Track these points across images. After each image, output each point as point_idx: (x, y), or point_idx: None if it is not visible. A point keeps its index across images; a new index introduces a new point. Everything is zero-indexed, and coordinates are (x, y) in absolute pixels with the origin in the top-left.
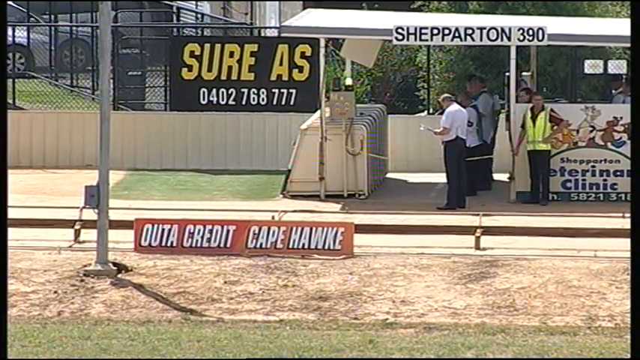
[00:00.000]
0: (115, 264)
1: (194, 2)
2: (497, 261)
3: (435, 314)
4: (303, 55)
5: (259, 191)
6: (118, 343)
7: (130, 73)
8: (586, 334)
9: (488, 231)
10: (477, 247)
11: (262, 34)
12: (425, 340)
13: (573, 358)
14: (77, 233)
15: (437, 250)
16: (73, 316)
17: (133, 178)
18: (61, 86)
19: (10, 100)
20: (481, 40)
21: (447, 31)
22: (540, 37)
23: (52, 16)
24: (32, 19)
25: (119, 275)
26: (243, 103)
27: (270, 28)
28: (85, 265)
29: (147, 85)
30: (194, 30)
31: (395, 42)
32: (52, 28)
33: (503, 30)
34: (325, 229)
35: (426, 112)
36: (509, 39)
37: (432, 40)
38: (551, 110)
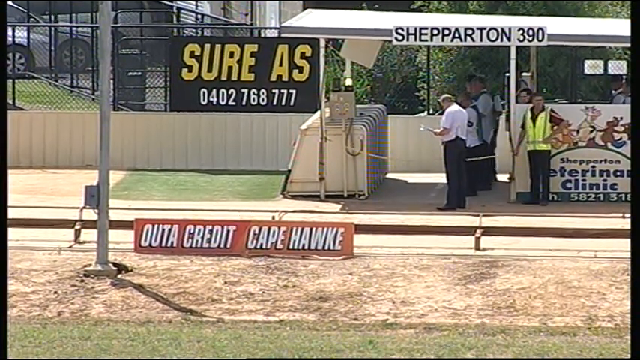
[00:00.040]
0: (115, 264)
1: (194, 3)
2: (497, 261)
3: (435, 315)
4: (303, 56)
5: (259, 191)
6: (118, 344)
7: (130, 73)
8: (586, 334)
9: (488, 231)
10: (477, 248)
11: (262, 35)
12: (425, 341)
13: (573, 358)
14: (77, 233)
15: (437, 250)
16: (73, 317)
17: (133, 178)
18: (61, 86)
19: (10, 101)
20: (481, 40)
21: (446, 32)
22: (540, 38)
23: (52, 17)
24: (32, 19)
25: (119, 275)
26: (243, 103)
27: (270, 28)
28: (85, 266)
29: (147, 86)
30: (194, 30)
31: (395, 42)
32: (52, 28)
33: (503, 30)
34: (325, 229)
35: (426, 112)
36: (509, 39)
37: (431, 40)
38: (552, 110)
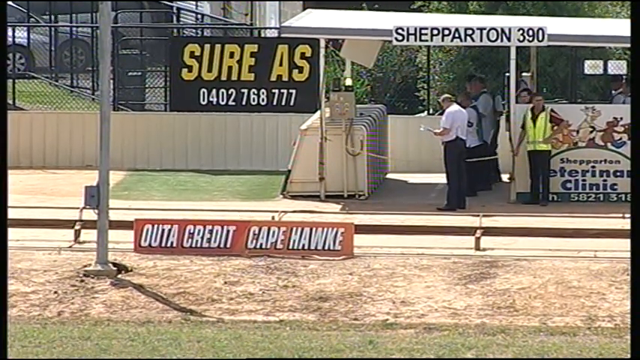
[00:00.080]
0: (115, 264)
1: (194, 3)
2: (497, 262)
3: (435, 315)
4: (303, 56)
5: (259, 192)
6: (118, 344)
7: (130, 73)
8: (586, 334)
9: (489, 231)
10: (477, 248)
11: (262, 35)
12: (425, 341)
13: (573, 358)
14: (77, 233)
15: (437, 250)
16: (73, 317)
17: (133, 178)
18: (61, 87)
19: (10, 101)
20: (481, 40)
21: (446, 32)
22: (540, 38)
23: (52, 17)
24: (32, 19)
25: (119, 275)
26: (243, 103)
27: (270, 28)
28: (85, 266)
29: (147, 86)
30: (194, 30)
31: (395, 42)
32: (52, 28)
33: (503, 30)
34: (325, 229)
35: (426, 112)
36: (509, 39)
37: (431, 40)
38: (552, 110)
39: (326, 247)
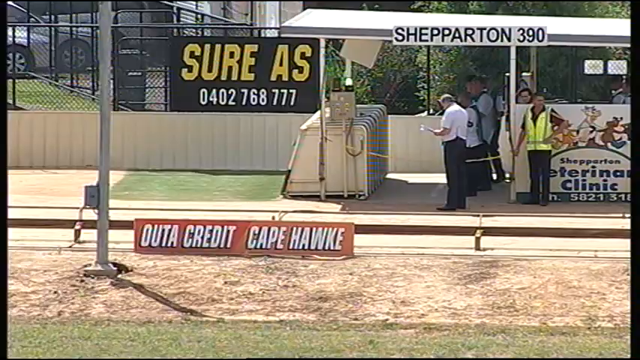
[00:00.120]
0: (115, 264)
1: (194, 3)
2: (498, 261)
3: (435, 315)
4: (303, 56)
5: (259, 192)
6: (118, 344)
7: (130, 73)
8: (586, 334)
9: (489, 231)
10: (477, 248)
11: (262, 35)
12: (425, 341)
13: (573, 358)
14: (77, 233)
15: (437, 250)
16: (73, 317)
17: (133, 178)
18: (61, 87)
19: (10, 101)
20: (481, 40)
21: (447, 32)
22: (540, 38)
23: (52, 17)
24: (32, 19)
25: (119, 275)
26: (244, 103)
27: (271, 28)
28: (85, 266)
29: (147, 86)
30: (194, 30)
31: (395, 42)
32: (52, 28)
33: (503, 30)
34: (325, 229)
35: (426, 112)
36: (509, 39)
37: (432, 40)
38: (552, 110)
39: (326, 247)
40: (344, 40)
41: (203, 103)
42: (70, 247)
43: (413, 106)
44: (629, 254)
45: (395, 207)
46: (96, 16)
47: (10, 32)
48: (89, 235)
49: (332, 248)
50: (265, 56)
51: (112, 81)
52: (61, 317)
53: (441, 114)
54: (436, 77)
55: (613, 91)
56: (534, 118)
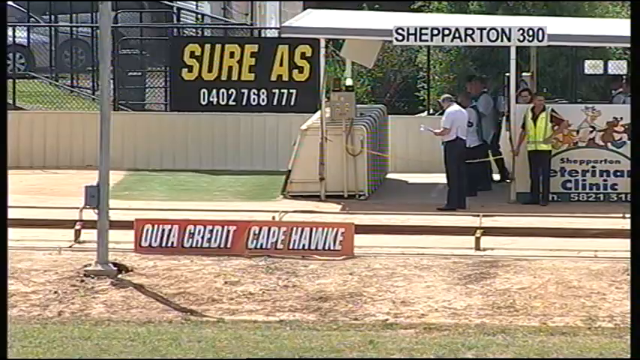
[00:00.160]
0: (115, 264)
1: (194, 3)
2: (498, 261)
3: (435, 315)
4: (303, 56)
5: (260, 192)
6: (119, 344)
7: (130, 73)
8: (586, 334)
9: (489, 231)
10: (477, 248)
11: (262, 35)
12: (425, 341)
13: (573, 358)
14: (77, 233)
15: (437, 250)
16: (73, 317)
17: (133, 178)
18: (61, 87)
19: (10, 101)
20: (481, 40)
21: (447, 32)
22: (540, 38)
23: (52, 17)
24: (32, 19)
25: (119, 275)
26: (244, 103)
27: (271, 28)
28: (86, 266)
29: (147, 86)
30: (194, 30)
31: (395, 42)
32: (52, 28)
33: (503, 30)
34: (325, 229)
35: (426, 112)
36: (509, 39)
37: (432, 40)
38: (552, 111)
39: (326, 247)
40: (344, 40)
41: (203, 103)
42: (70, 247)
43: (413, 106)
44: (629, 254)
45: (395, 207)
46: (96, 16)
47: (10, 32)
48: (89, 235)
49: (332, 248)
50: (265, 56)
51: (112, 81)
52: (61, 317)
53: (441, 114)
54: (436, 77)
55: (613, 91)
56: (534, 118)
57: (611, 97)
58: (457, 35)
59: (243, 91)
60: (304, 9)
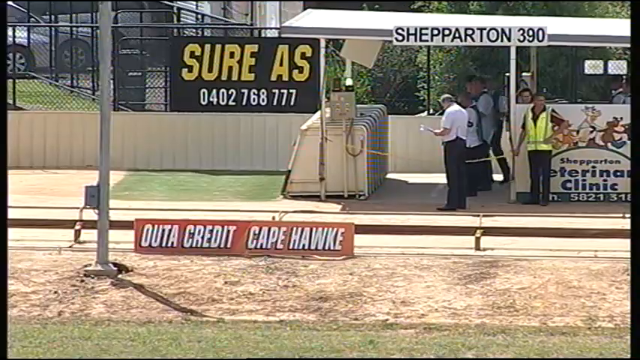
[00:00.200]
0: (115, 264)
1: (194, 3)
2: (498, 261)
3: (435, 315)
4: (303, 56)
5: (260, 192)
6: (119, 344)
7: (130, 73)
8: (586, 334)
9: (489, 231)
10: (477, 248)
11: (262, 35)
12: (425, 341)
13: (573, 358)
14: (77, 233)
15: (437, 250)
16: (73, 317)
17: (133, 178)
18: (61, 87)
19: (10, 101)
20: (481, 40)
21: (447, 32)
22: (540, 38)
23: (52, 17)
24: (32, 19)
25: (119, 275)
26: (244, 103)
27: (271, 28)
28: (86, 266)
29: (147, 86)
30: (194, 30)
31: (395, 42)
32: (52, 28)
33: (503, 30)
34: (325, 229)
35: (426, 112)
36: (509, 39)
37: (432, 40)
38: (553, 111)
39: (326, 247)
40: (344, 40)
41: (203, 103)
42: (70, 247)
43: (413, 106)
44: (629, 254)
45: (395, 207)
46: (96, 16)
47: (10, 32)
48: (89, 235)
49: (332, 248)
50: (265, 56)
51: (112, 81)
52: (61, 317)
53: (441, 114)
54: (436, 77)
55: (613, 91)
56: (535, 118)
57: (611, 97)
58: (457, 35)
59: (243, 91)
60: (304, 9)
